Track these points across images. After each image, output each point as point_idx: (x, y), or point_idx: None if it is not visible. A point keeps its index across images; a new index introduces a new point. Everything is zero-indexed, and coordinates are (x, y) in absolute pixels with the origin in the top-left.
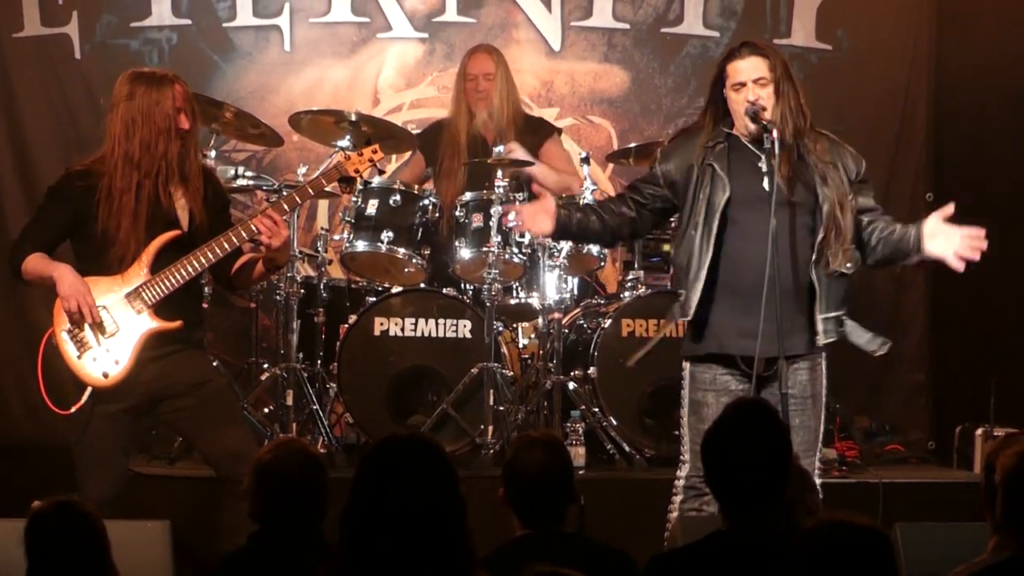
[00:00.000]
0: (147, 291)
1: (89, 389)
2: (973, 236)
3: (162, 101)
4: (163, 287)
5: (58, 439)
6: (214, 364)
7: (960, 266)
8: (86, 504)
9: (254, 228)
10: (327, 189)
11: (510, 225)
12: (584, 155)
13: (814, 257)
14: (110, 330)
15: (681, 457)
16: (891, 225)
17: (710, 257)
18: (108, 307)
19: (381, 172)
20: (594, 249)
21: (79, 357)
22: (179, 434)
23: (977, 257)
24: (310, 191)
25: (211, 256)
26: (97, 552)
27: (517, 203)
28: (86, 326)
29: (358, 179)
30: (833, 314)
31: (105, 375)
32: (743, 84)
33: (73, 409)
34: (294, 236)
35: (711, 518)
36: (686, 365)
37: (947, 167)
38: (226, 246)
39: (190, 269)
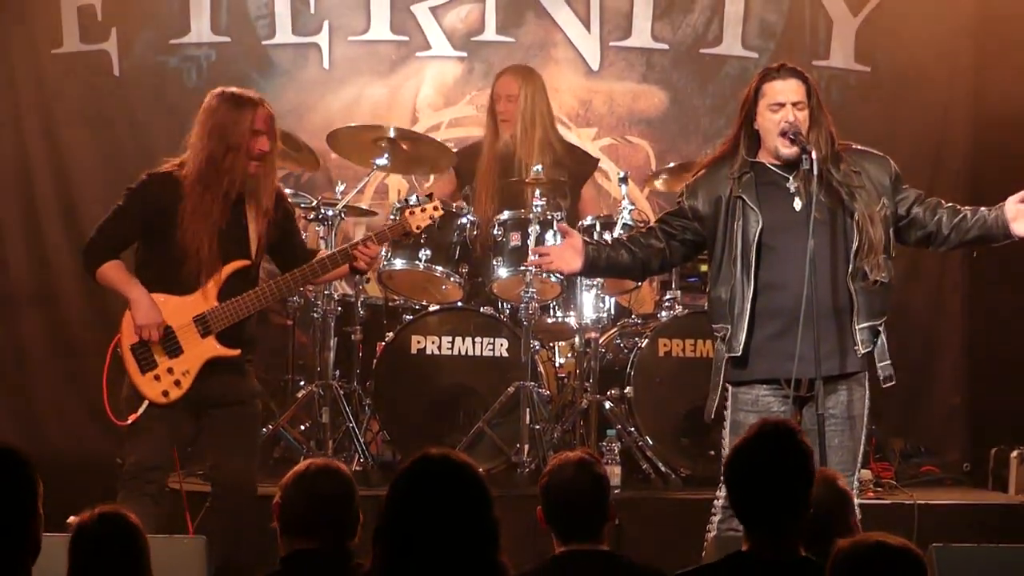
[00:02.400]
0: (214, 319)
1: (146, 402)
2: None
3: (240, 121)
4: (232, 316)
5: (91, 453)
6: (257, 388)
7: None
8: (130, 516)
9: (353, 256)
10: (365, 208)
11: (537, 265)
12: (622, 175)
13: (850, 271)
14: (175, 352)
15: (722, 478)
16: (957, 211)
17: (752, 290)
18: (175, 329)
19: (439, 228)
20: None
21: (142, 373)
22: (201, 437)
23: None
24: (388, 235)
25: (285, 291)
26: (139, 565)
27: (552, 230)
28: (154, 345)
29: (416, 232)
30: (869, 324)
31: (165, 394)
32: (782, 104)
33: (130, 420)
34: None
35: (741, 537)
36: (729, 387)
37: (986, 189)
38: (309, 277)
39: (261, 302)
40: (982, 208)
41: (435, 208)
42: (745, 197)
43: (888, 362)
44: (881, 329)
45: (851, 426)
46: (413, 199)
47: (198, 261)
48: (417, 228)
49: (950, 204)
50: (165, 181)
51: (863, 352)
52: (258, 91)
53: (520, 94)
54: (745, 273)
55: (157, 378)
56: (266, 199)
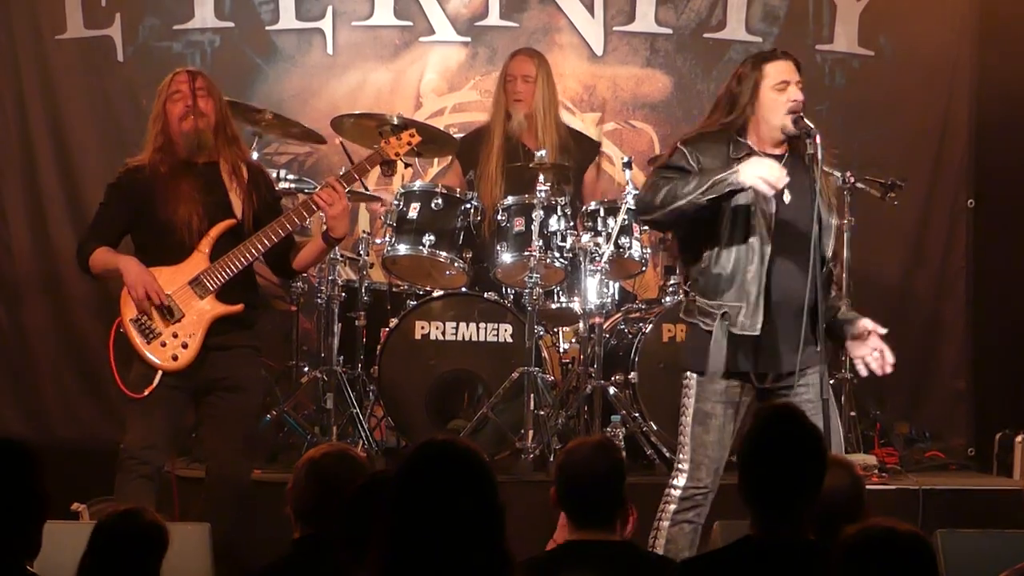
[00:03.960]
0: (209, 277)
1: (159, 373)
2: (885, 354)
3: (160, 95)
4: (225, 272)
5: (96, 441)
6: (261, 376)
7: (863, 371)
8: (153, 514)
9: (314, 202)
10: (369, 192)
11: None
12: (626, 160)
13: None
14: (176, 316)
15: (679, 466)
16: (835, 296)
17: (766, 274)
18: (173, 295)
19: (418, 154)
20: (635, 254)
21: (148, 343)
22: (200, 421)
23: (880, 372)
24: (354, 175)
25: (272, 237)
26: (155, 562)
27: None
28: (153, 313)
29: (398, 162)
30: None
31: (175, 358)
32: (787, 83)
33: (146, 392)
34: None
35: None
36: (692, 375)
37: (989, 173)
38: (287, 226)
39: (252, 252)
40: (840, 306)
41: (411, 135)
42: None
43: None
44: None
45: (831, 409)
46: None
47: (188, 232)
48: (396, 155)
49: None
50: (138, 170)
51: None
52: (262, 77)
53: (537, 75)
54: (759, 257)
55: (164, 344)
56: (238, 167)
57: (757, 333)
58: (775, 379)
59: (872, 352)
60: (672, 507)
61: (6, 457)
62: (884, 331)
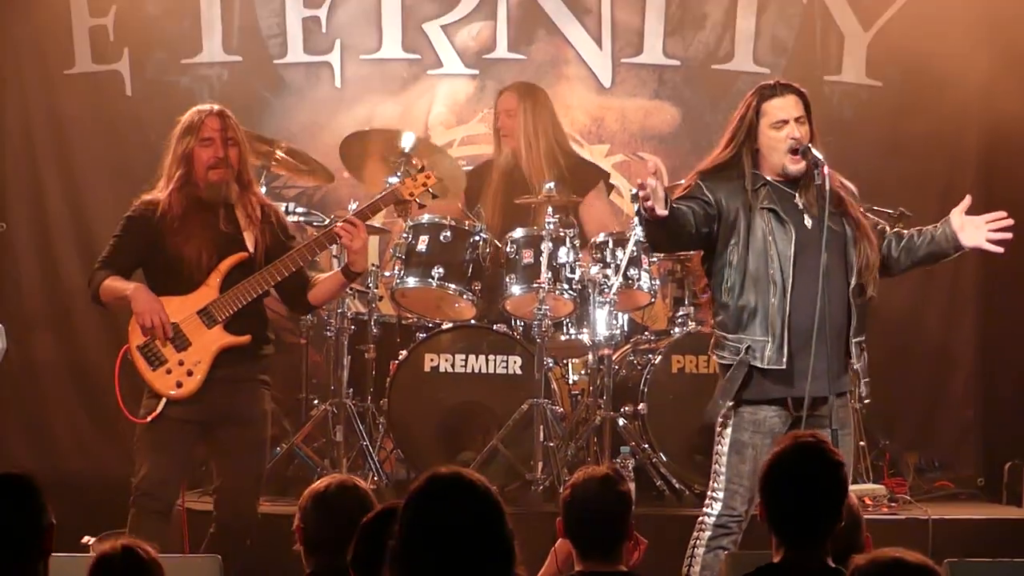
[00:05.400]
0: (218, 308)
1: (163, 400)
2: (996, 219)
3: (190, 136)
4: (235, 304)
5: (105, 474)
6: (270, 409)
7: (999, 248)
8: (151, 551)
9: (335, 234)
10: (378, 225)
11: (646, 189)
12: (635, 192)
13: (852, 288)
14: (183, 345)
15: (713, 495)
16: (902, 235)
17: (788, 305)
18: (180, 323)
19: (434, 196)
20: (644, 285)
21: (153, 369)
22: (209, 454)
23: (1008, 236)
24: (369, 213)
25: (284, 272)
26: None
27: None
28: (160, 341)
29: (413, 203)
30: (858, 339)
31: (179, 384)
32: (784, 122)
33: (149, 418)
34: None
35: (757, 554)
36: (729, 407)
37: (999, 204)
38: (299, 261)
39: (263, 285)
40: (927, 227)
41: (427, 177)
42: (778, 209)
43: (868, 379)
44: (864, 345)
45: (852, 439)
46: (396, 179)
47: (194, 262)
48: (410, 195)
49: (895, 229)
50: (153, 206)
51: (856, 365)
52: (270, 110)
53: (519, 108)
54: (781, 288)
55: (168, 372)
56: (251, 206)
57: (784, 367)
58: (811, 407)
59: (985, 226)
60: (707, 534)
61: (10, 491)
62: (968, 202)
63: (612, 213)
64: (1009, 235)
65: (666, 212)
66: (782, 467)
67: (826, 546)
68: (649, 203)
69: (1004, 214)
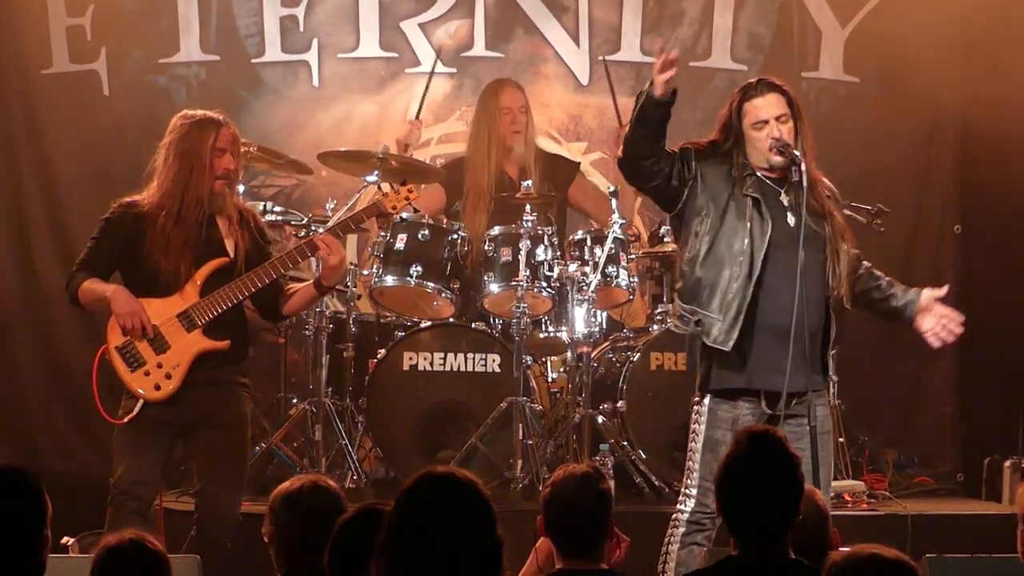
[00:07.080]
0: (198, 312)
1: (141, 401)
2: (952, 319)
3: (204, 141)
4: (215, 308)
5: (84, 475)
6: (250, 412)
7: (937, 343)
8: (157, 543)
9: (315, 245)
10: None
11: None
12: (613, 189)
13: (831, 291)
14: (162, 347)
15: (686, 491)
16: (874, 277)
17: (751, 294)
18: (160, 326)
19: (416, 210)
20: (623, 283)
21: (132, 371)
22: (189, 457)
23: (950, 340)
24: (351, 225)
25: (264, 279)
26: None
27: None
28: (139, 343)
29: (394, 216)
30: (834, 345)
31: (157, 387)
32: (765, 121)
33: (125, 419)
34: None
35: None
36: (705, 400)
37: (975, 200)
38: (280, 269)
39: (243, 291)
40: (896, 286)
41: (409, 191)
42: (761, 200)
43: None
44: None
45: (830, 439)
46: (374, 176)
47: (174, 268)
48: (393, 209)
49: (869, 265)
50: (134, 210)
51: (834, 377)
52: (248, 109)
53: (527, 104)
54: (746, 273)
55: (147, 374)
56: (232, 213)
57: (728, 349)
58: (788, 404)
59: (940, 320)
60: (680, 531)
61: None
62: (944, 291)
63: (593, 194)
64: (953, 339)
65: (671, 95)
66: (737, 463)
67: (785, 541)
68: (667, 74)
69: (962, 318)
